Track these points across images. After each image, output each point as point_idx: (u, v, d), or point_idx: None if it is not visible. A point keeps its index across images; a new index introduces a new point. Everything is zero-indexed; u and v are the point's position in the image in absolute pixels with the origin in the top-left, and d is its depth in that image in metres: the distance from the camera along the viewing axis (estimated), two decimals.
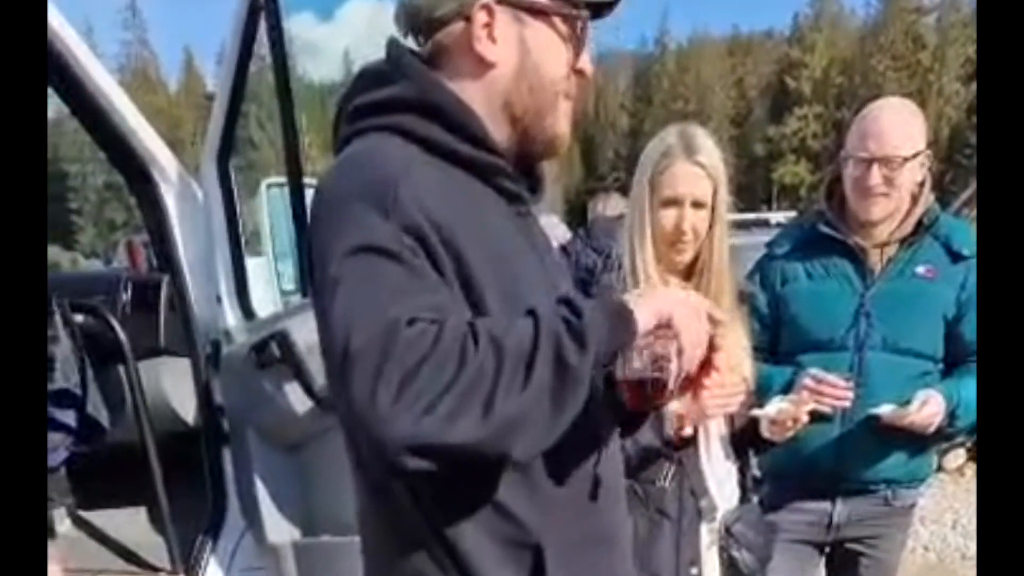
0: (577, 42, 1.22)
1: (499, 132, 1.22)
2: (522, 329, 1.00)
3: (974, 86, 55.84)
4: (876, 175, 2.20)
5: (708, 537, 1.96)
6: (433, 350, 0.95)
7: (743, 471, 2.04)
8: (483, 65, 1.20)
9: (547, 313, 1.03)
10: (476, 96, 1.21)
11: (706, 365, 1.26)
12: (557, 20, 1.21)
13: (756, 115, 68.27)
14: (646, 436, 1.82)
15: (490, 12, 1.18)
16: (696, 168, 1.90)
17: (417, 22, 1.23)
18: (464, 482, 1.09)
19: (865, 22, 67.73)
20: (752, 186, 61.53)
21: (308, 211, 1.23)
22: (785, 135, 64.20)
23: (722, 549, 1.97)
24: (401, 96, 1.18)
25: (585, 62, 1.24)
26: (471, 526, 1.13)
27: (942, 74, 58.17)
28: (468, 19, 1.19)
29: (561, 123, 1.26)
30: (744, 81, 70.75)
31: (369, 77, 1.23)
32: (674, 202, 1.91)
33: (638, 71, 73.90)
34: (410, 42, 1.26)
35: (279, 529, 2.65)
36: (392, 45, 1.24)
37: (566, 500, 1.18)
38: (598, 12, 1.26)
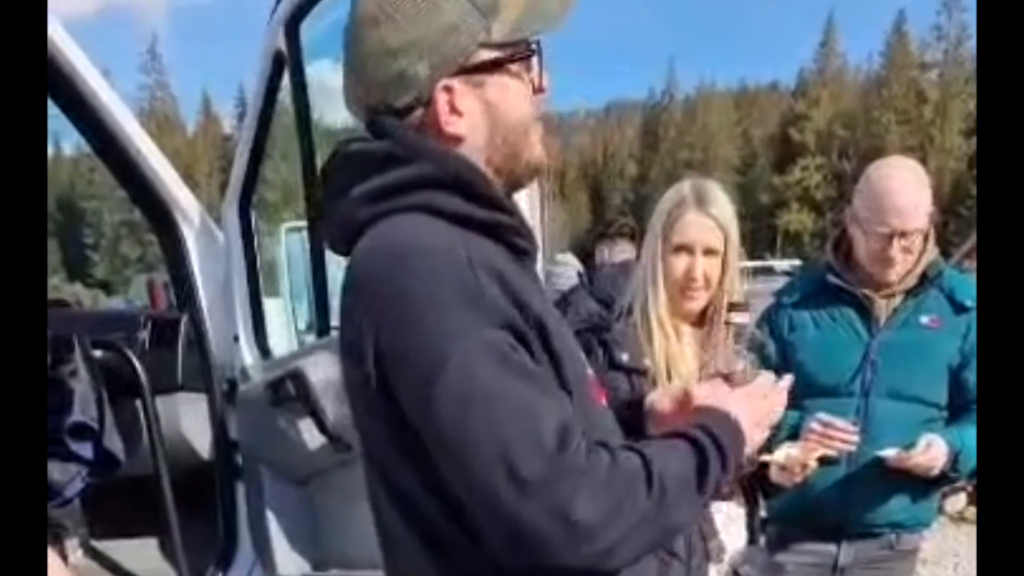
0: (535, 72, 1.25)
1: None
2: (685, 460, 1.13)
3: (975, 140, 56.31)
4: (896, 247, 2.26)
5: None
6: (615, 471, 1.05)
7: (751, 514, 2.07)
8: (456, 139, 1.21)
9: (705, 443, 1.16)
10: None
11: None
12: (509, 71, 1.22)
13: (761, 165, 68.76)
14: None
15: (449, 89, 1.19)
16: (707, 218, 1.96)
17: (379, 111, 1.23)
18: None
19: (868, 77, 68.56)
20: (756, 233, 61.77)
21: (350, 279, 1.17)
22: (789, 184, 64.57)
23: None
24: (425, 175, 1.17)
25: (544, 80, 1.27)
26: None
27: (944, 128, 58.62)
28: (428, 103, 1.20)
29: (536, 149, 1.28)
30: (749, 132, 71.43)
31: (375, 158, 1.20)
32: (685, 248, 1.96)
33: (646, 120, 74.63)
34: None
35: (289, 562, 2.68)
36: (391, 126, 1.22)
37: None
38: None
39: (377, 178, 1.18)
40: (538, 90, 1.26)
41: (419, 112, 1.20)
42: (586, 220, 70.49)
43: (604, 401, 1.39)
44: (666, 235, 1.98)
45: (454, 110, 1.20)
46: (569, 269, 5.70)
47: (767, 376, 1.43)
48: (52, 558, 0.71)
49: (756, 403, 1.36)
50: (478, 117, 1.22)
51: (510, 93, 1.23)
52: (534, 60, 1.25)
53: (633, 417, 1.60)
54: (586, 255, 5.56)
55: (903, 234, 2.25)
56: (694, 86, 78.15)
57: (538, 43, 1.25)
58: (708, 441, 1.15)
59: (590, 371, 1.30)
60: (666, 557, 1.90)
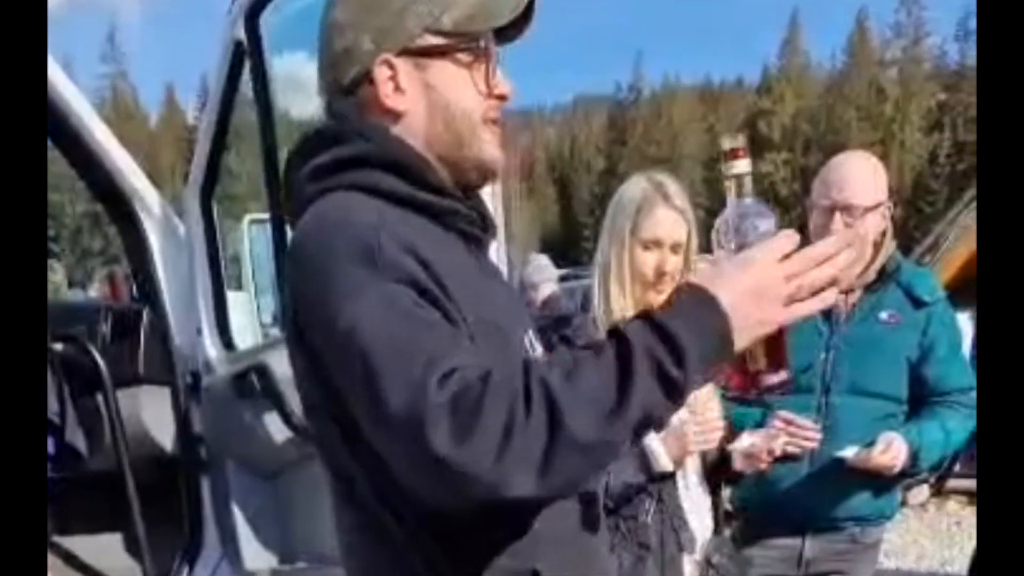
0: (485, 68, 1.24)
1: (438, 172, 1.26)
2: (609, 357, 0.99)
3: (934, 136, 57.16)
4: (838, 222, 2.29)
5: (690, 569, 2.00)
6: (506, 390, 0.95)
7: (715, 505, 2.10)
8: (396, 115, 1.23)
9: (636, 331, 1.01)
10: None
11: None
12: (453, 59, 1.23)
13: None
14: (629, 472, 1.87)
15: (391, 66, 1.21)
16: (674, 212, 1.98)
17: (333, 90, 1.26)
18: (459, 520, 1.07)
19: (831, 74, 69.22)
20: None
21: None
22: (756, 178, 65.04)
23: None
24: (362, 154, 1.21)
25: (501, 86, 1.26)
26: (469, 563, 1.14)
27: (904, 124, 59.41)
28: (370, 80, 1.22)
29: (487, 148, 1.26)
30: (715, 127, 71.84)
31: (326, 137, 1.24)
32: (656, 244, 1.98)
33: (612, 115, 74.85)
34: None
35: (256, 556, 2.67)
36: (339, 103, 1.26)
37: (558, 528, 1.19)
38: (504, 35, 1.27)
39: (321, 156, 1.22)
40: (491, 93, 1.25)
41: (365, 89, 1.23)
42: (554, 214, 70.67)
43: None
44: (635, 230, 1.99)
45: (397, 88, 1.22)
46: (548, 268, 5.58)
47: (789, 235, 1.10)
48: None
49: (759, 269, 1.04)
50: (418, 97, 1.22)
51: (453, 81, 1.23)
52: (487, 60, 1.24)
53: None
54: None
55: (846, 209, 2.28)
56: (660, 82, 78.74)
57: (488, 46, 1.24)
58: (645, 339, 0.99)
59: (532, 352, 1.27)
60: (639, 551, 1.93)
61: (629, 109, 74.10)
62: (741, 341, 1.03)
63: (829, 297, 1.06)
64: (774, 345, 1.11)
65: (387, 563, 1.17)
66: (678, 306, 1.04)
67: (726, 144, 1.10)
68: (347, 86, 1.24)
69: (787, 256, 1.05)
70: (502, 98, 1.27)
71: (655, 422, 1.01)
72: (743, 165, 1.12)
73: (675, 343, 0.99)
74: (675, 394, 0.99)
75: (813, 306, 1.06)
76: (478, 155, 1.26)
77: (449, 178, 1.26)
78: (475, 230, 1.28)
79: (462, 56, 1.23)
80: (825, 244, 1.06)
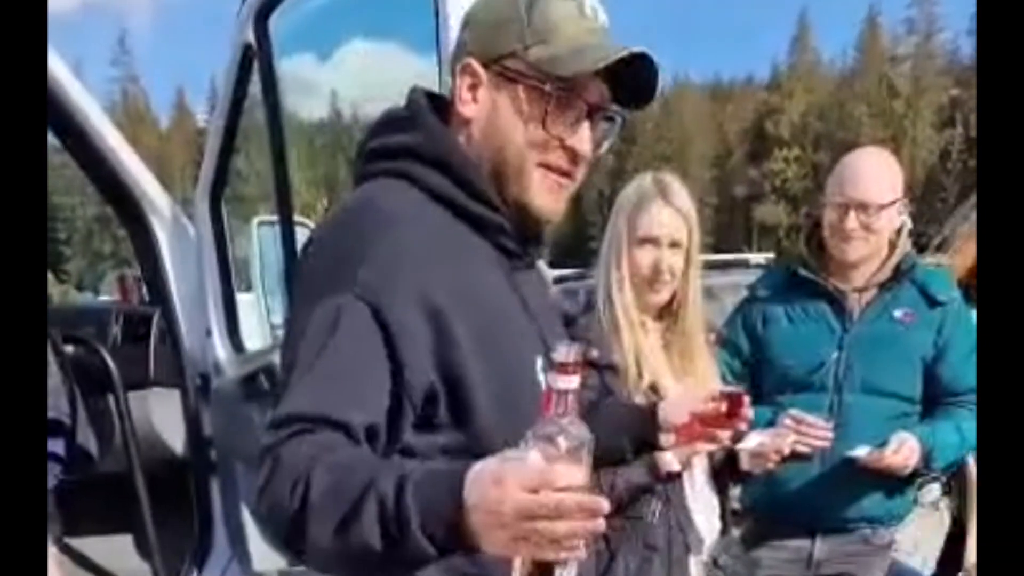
0: (543, 112, 1.22)
1: (491, 186, 1.26)
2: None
3: (946, 132, 56.87)
4: (853, 220, 2.27)
5: (696, 570, 1.98)
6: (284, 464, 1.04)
7: (723, 505, 2.08)
8: (462, 120, 1.26)
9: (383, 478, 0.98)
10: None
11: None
12: (522, 89, 1.22)
13: (736, 158, 69.08)
14: (636, 472, 1.86)
15: (474, 73, 1.24)
16: (672, 210, 1.97)
17: (451, 73, 1.30)
18: None
19: (842, 71, 68.98)
20: (732, 227, 62.08)
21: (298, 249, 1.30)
22: (764, 176, 64.93)
23: None
24: (412, 145, 1.24)
25: (573, 138, 1.23)
26: (435, 565, 1.10)
27: (916, 121, 59.13)
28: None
29: (533, 192, 1.24)
30: (724, 126, 71.66)
31: (389, 122, 1.29)
32: (652, 241, 1.96)
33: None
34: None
35: (265, 558, 2.66)
36: (414, 91, 1.30)
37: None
38: (577, 87, 1.23)
39: (380, 138, 1.27)
40: (561, 143, 1.23)
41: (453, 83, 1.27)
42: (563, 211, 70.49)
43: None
44: (631, 228, 1.98)
45: (473, 96, 1.24)
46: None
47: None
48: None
49: (502, 491, 0.90)
50: (484, 113, 1.25)
51: (515, 113, 1.23)
52: (561, 110, 1.22)
53: (643, 431, 1.58)
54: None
55: (861, 206, 2.26)
56: (669, 80, 78.61)
57: (554, 92, 1.21)
58: (399, 501, 0.95)
59: (543, 379, 1.23)
60: (645, 552, 1.92)
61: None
62: (491, 545, 0.93)
63: (559, 555, 0.93)
64: (535, 574, 0.97)
65: None
66: (432, 481, 0.97)
67: (559, 357, 0.96)
68: (453, 76, 1.27)
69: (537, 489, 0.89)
70: (573, 153, 1.25)
71: (383, 559, 0.98)
72: (569, 382, 0.96)
73: (403, 512, 0.95)
74: (393, 547, 0.96)
75: (524, 550, 0.93)
76: (521, 196, 1.25)
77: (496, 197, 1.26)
78: (514, 246, 1.27)
79: (532, 94, 1.22)
80: (572, 498, 0.89)
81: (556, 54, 1.21)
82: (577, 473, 0.92)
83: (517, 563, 0.97)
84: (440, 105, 1.29)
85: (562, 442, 0.94)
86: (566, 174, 1.26)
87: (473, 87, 1.24)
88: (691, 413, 1.55)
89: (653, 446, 1.61)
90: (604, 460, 1.63)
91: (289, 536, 1.03)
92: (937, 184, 54.26)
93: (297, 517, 0.99)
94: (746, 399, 1.56)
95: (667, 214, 1.96)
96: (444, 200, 1.22)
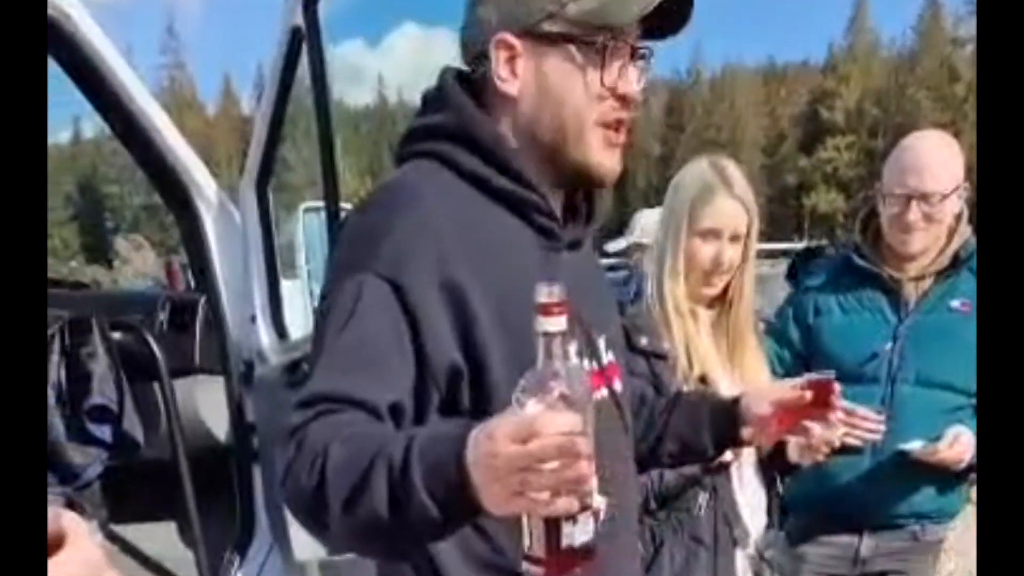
0: (600, 68, 1.20)
1: (534, 164, 1.24)
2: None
3: None
4: (915, 211, 2.19)
5: (743, 563, 1.95)
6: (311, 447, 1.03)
7: (770, 498, 2.04)
8: (507, 99, 1.22)
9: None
10: (507, 129, 1.23)
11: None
12: (572, 48, 1.19)
13: (788, 144, 68.06)
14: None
15: (509, 47, 1.20)
16: (736, 202, 1.92)
17: (466, 55, 1.27)
18: None
19: (900, 53, 67.52)
20: (783, 216, 61.25)
21: None
22: (817, 165, 63.92)
23: (756, 575, 1.96)
24: (441, 125, 1.22)
25: (624, 85, 1.22)
26: (451, 544, 1.14)
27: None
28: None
29: (594, 151, 1.23)
30: (777, 111, 70.64)
31: (425, 104, 1.28)
32: (713, 234, 1.92)
33: (671, 99, 74.01)
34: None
35: (306, 546, 2.66)
36: (445, 72, 1.27)
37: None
38: (651, 33, 1.24)
39: (415, 121, 1.27)
40: (613, 93, 1.21)
41: (486, 65, 1.22)
42: (609, 202, 70.18)
43: (619, 386, 1.35)
44: (693, 219, 1.93)
45: (512, 71, 1.21)
46: None
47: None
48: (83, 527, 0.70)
49: (493, 444, 0.88)
50: (530, 83, 1.21)
51: (568, 74, 1.20)
52: (608, 62, 1.20)
53: (724, 424, 1.52)
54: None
55: (923, 197, 2.18)
56: (720, 64, 77.62)
57: (608, 43, 1.19)
58: (405, 464, 0.94)
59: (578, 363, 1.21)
60: (692, 544, 1.89)
61: (688, 93, 73.22)
62: (491, 504, 0.91)
63: (556, 506, 0.89)
64: (545, 531, 0.93)
65: None
66: (436, 441, 0.95)
67: (541, 297, 0.92)
68: (471, 58, 1.25)
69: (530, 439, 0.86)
70: (624, 100, 1.23)
71: (394, 527, 0.96)
72: (554, 323, 0.93)
73: (409, 475, 0.93)
74: (401, 514, 0.95)
75: (524, 505, 0.90)
76: (583, 158, 1.23)
77: (549, 172, 1.24)
78: (549, 223, 1.24)
79: (582, 50, 1.20)
80: (552, 441, 0.85)
81: (603, 3, 1.18)
82: (571, 418, 0.88)
83: (525, 522, 0.94)
84: (477, 90, 1.25)
85: (555, 388, 0.91)
86: (619, 125, 1.24)
87: (510, 60, 1.20)
88: (773, 403, 1.47)
89: (735, 442, 1.55)
90: (687, 457, 1.60)
91: (310, 516, 1.02)
92: None
93: (316, 495, 0.98)
94: (836, 387, 1.46)
95: (730, 206, 1.92)
96: (474, 179, 1.20)
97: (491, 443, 0.88)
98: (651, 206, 4.92)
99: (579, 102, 1.21)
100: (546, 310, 0.93)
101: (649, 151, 71.01)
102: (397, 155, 1.29)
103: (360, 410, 1.05)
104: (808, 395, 1.45)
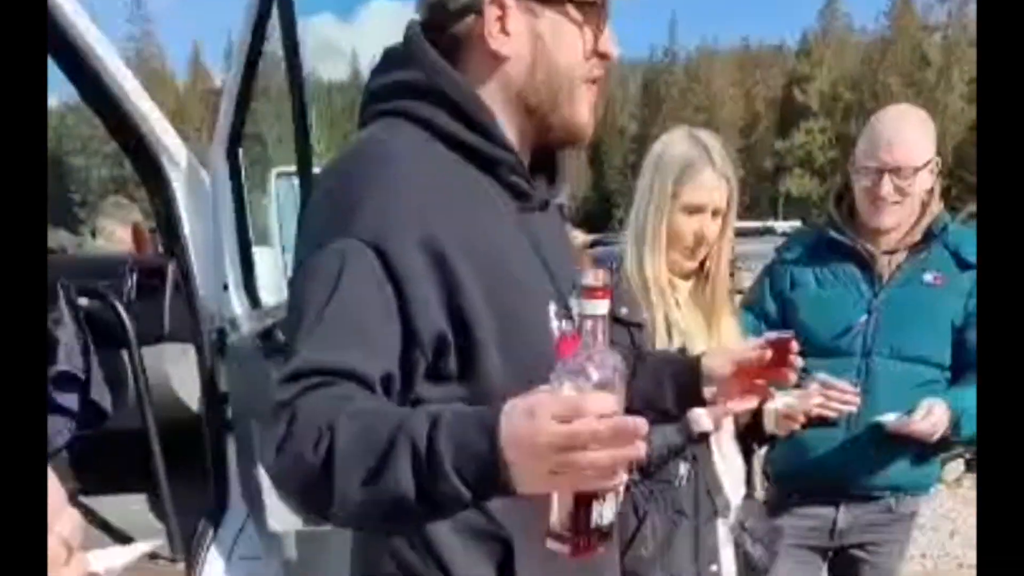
0: (595, 26, 1.20)
1: (513, 124, 1.22)
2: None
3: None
4: (888, 185, 2.20)
5: (724, 534, 1.96)
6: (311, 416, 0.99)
7: (748, 465, 2.05)
8: (497, 59, 1.19)
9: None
10: (490, 88, 1.21)
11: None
12: (570, 7, 1.18)
13: (763, 127, 68.39)
14: (670, 432, 1.82)
15: (502, 5, 1.17)
16: (720, 178, 1.92)
17: (433, 13, 1.22)
18: None
19: (873, 38, 67.84)
20: (759, 198, 61.60)
21: None
22: (791, 148, 64.28)
23: (737, 545, 1.97)
24: (408, 81, 1.19)
25: (607, 44, 1.22)
26: (447, 520, 1.12)
27: (947, 92, 58.15)
28: (480, 13, 1.18)
29: (581, 110, 1.23)
30: (752, 93, 70.88)
31: (387, 60, 1.24)
32: (698, 210, 1.91)
33: (647, 79, 74.02)
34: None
35: (281, 517, 2.64)
36: (409, 29, 1.23)
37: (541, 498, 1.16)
38: None
39: (380, 78, 1.23)
40: (598, 53, 1.22)
41: (470, 19, 1.19)
42: (586, 180, 70.28)
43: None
44: (677, 194, 1.91)
45: (503, 28, 1.18)
46: (577, 238, 5.53)
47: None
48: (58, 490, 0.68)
49: (534, 424, 0.86)
50: (524, 44, 1.19)
51: (563, 35, 1.20)
52: (597, 18, 1.20)
53: (687, 382, 1.50)
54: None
55: (896, 170, 2.19)
56: (696, 45, 77.59)
57: (603, 5, 1.20)
58: (431, 443, 0.91)
59: (557, 325, 1.21)
60: (674, 516, 1.89)
61: (664, 74, 73.22)
62: (526, 482, 0.90)
63: (604, 483, 0.89)
64: (575, 509, 0.95)
65: None
66: (463, 420, 0.93)
67: (587, 280, 0.93)
68: (451, 11, 1.20)
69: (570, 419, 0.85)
70: (604, 57, 1.23)
71: (416, 508, 0.94)
72: (598, 307, 0.94)
73: (436, 454, 0.91)
74: (426, 493, 0.92)
75: (563, 483, 0.90)
76: (571, 116, 1.23)
77: (526, 132, 1.24)
78: (523, 183, 1.23)
79: (572, 10, 1.19)
80: (608, 422, 0.84)
81: None
82: (610, 400, 0.88)
83: (555, 500, 0.95)
84: (446, 46, 1.21)
85: (593, 372, 0.91)
86: (596, 82, 1.25)
87: (500, 19, 1.18)
88: (734, 362, 1.46)
89: (696, 399, 1.54)
90: (647, 414, 1.58)
91: (313, 494, 0.98)
92: (967, 158, 53.48)
93: (322, 472, 0.95)
94: (794, 344, 1.45)
95: (715, 182, 1.91)
96: (445, 136, 1.17)
97: (532, 422, 0.86)
98: (627, 184, 4.92)
99: (572, 62, 1.20)
100: (591, 293, 0.93)
101: (625, 130, 71.11)
102: (362, 114, 1.25)
103: (353, 382, 1.02)
104: (768, 354, 1.44)
